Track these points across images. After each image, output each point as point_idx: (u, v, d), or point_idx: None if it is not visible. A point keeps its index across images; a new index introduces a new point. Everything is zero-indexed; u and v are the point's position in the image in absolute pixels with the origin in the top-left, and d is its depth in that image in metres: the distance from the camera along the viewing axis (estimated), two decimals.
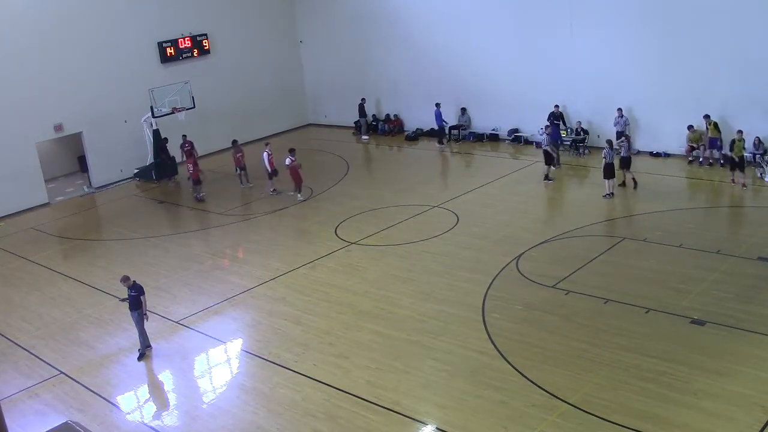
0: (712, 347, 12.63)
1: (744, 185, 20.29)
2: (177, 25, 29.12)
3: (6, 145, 24.66)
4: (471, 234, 18.95)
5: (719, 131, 22.16)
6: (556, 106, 25.48)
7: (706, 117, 22.35)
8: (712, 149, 22.50)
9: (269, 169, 23.90)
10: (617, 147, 21.51)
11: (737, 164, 20.39)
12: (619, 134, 24.33)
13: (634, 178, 21.24)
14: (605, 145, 21.16)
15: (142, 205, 25.37)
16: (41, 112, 25.47)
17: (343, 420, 11.69)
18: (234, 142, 25.68)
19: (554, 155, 23.25)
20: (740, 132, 20.58)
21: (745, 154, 20.63)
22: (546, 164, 22.86)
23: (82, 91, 26.40)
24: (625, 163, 21.34)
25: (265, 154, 23.96)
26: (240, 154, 24.92)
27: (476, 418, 11.37)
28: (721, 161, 22.25)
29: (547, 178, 22.69)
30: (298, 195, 22.93)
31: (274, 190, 24.13)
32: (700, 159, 22.75)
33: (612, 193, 20.70)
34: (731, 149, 20.78)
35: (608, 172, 20.65)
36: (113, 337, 15.48)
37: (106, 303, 17.06)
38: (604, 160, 20.82)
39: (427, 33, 29.04)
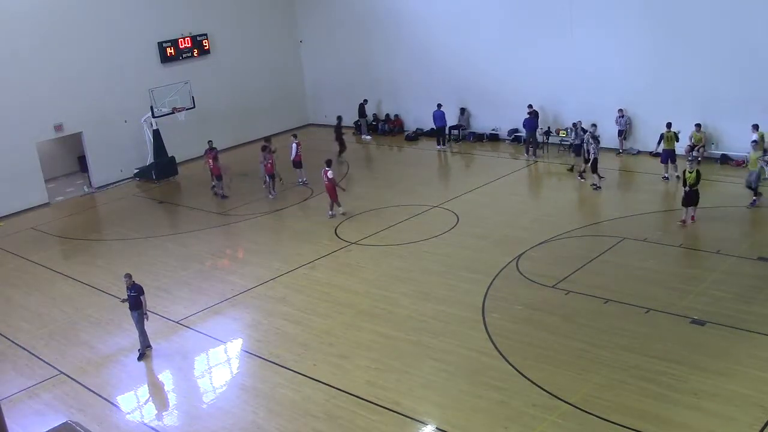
0: (712, 347, 12.63)
1: (689, 220, 18.03)
2: (177, 25, 29.12)
3: (6, 145, 24.65)
4: (471, 234, 18.95)
5: (674, 142, 21.52)
6: (530, 105, 25.71)
7: (668, 125, 21.61)
8: (666, 163, 21.49)
9: (295, 161, 24.37)
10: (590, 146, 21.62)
11: (690, 198, 17.97)
12: (620, 132, 24.46)
13: (596, 184, 21.39)
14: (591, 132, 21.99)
15: (142, 205, 25.37)
16: (41, 112, 25.45)
17: (343, 420, 11.69)
18: (264, 147, 24.03)
19: (534, 145, 24.39)
20: (692, 160, 18.34)
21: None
22: (584, 162, 22.49)
23: (82, 91, 26.40)
24: (594, 164, 21.30)
25: (294, 145, 24.41)
26: (270, 162, 23.56)
27: (476, 418, 11.37)
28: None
29: (581, 175, 22.38)
30: (340, 209, 21.17)
31: (303, 181, 24.63)
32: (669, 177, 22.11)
33: (599, 187, 21.26)
34: (684, 175, 18.13)
35: (594, 167, 21.34)
36: (113, 337, 15.48)
37: (106, 303, 17.06)
38: (592, 155, 21.23)
39: (428, 33, 29.04)
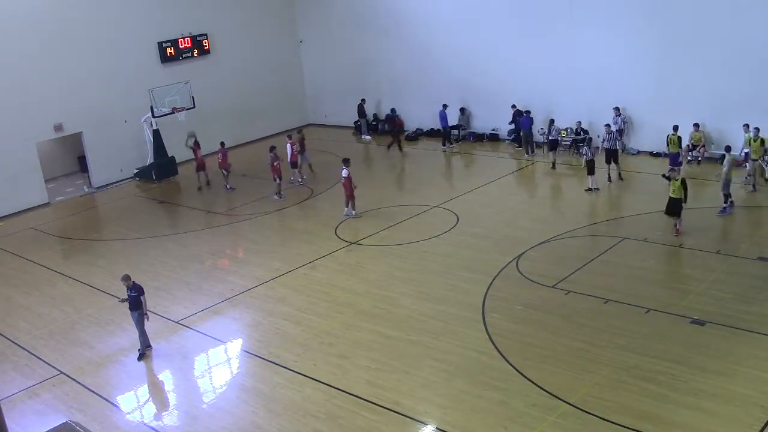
0: (712, 347, 12.63)
1: (677, 231, 17.39)
2: (177, 25, 29.13)
3: (6, 145, 24.67)
4: (471, 234, 18.95)
5: (680, 146, 21.56)
6: (513, 105, 26.34)
7: (675, 128, 21.67)
8: (672, 166, 20.79)
9: (291, 161, 24.77)
10: (586, 152, 21.51)
11: (673, 207, 17.33)
12: (619, 132, 24.45)
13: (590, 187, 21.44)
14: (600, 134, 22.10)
15: (142, 205, 25.37)
16: (41, 112, 25.47)
17: (343, 420, 11.69)
18: (272, 148, 23.87)
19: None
20: (673, 170, 17.95)
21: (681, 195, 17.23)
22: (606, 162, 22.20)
23: (82, 91, 26.41)
24: (590, 166, 21.24)
25: (288, 146, 24.74)
26: (278, 162, 23.30)
27: (476, 418, 11.37)
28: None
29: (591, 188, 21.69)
30: (352, 211, 21.09)
31: (302, 179, 25.01)
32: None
33: (596, 188, 21.23)
34: (668, 180, 17.55)
35: (590, 168, 21.22)
36: (113, 337, 15.48)
37: (106, 303, 17.06)
38: (584, 157, 21.25)
39: (427, 33, 29.05)
